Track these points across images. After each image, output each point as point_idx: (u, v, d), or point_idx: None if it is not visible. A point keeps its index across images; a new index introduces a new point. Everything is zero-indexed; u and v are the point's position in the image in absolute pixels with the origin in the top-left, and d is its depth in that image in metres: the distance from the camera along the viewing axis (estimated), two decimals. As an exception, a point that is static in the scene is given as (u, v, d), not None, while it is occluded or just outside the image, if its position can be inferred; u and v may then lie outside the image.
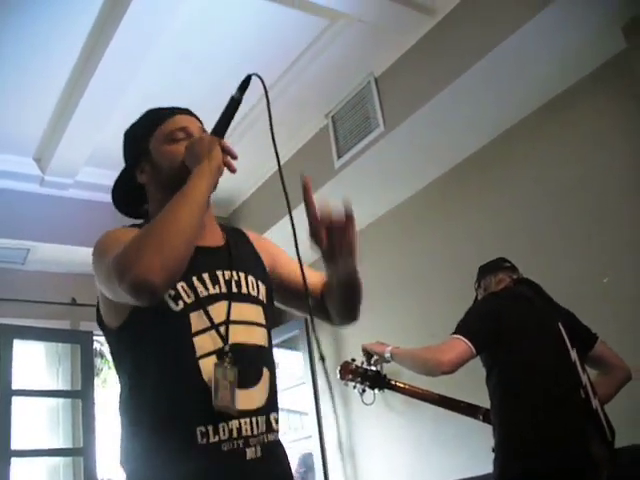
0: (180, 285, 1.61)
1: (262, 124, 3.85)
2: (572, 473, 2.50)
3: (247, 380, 1.62)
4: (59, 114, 4.45)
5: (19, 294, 5.03)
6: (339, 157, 4.53)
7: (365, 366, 3.13)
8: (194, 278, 1.64)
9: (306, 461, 5.93)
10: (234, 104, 1.75)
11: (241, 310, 1.68)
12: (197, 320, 1.60)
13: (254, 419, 1.60)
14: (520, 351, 2.74)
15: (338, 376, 3.11)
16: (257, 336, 1.70)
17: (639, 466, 2.98)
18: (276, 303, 1.90)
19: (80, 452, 4.98)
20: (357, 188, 4.57)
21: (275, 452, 1.67)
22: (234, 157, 1.69)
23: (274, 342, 1.83)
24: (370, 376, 3.14)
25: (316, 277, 1.89)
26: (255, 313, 1.72)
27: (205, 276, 1.66)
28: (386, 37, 4.15)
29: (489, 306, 2.92)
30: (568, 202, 3.87)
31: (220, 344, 1.60)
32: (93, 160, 4.91)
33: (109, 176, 5.14)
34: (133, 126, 1.87)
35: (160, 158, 1.75)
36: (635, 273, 3.48)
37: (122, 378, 1.69)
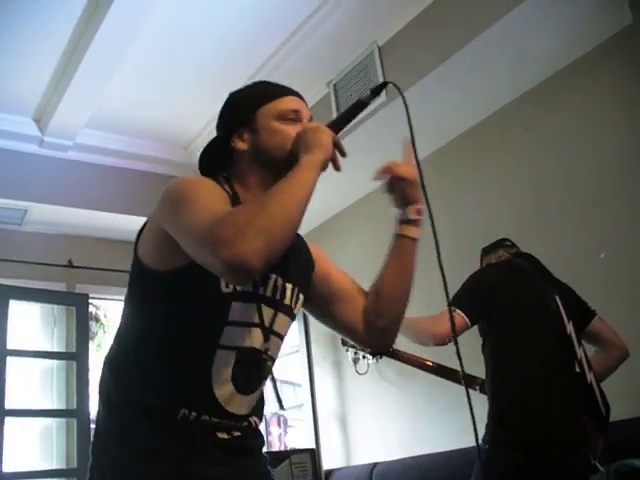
0: None
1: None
2: (561, 445, 2.54)
3: (246, 386, 1.63)
4: (60, 75, 4.42)
5: (16, 255, 5.02)
6: (340, 126, 4.49)
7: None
8: None
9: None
10: (360, 105, 1.72)
11: (276, 319, 1.68)
12: (235, 311, 1.59)
13: (236, 423, 1.63)
14: (514, 321, 2.77)
15: (340, 342, 3.15)
16: (274, 349, 1.70)
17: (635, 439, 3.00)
18: (310, 314, 1.89)
19: (73, 414, 5.01)
20: (356, 157, 4.52)
21: (248, 430, 1.68)
22: (344, 155, 1.64)
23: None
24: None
25: (356, 287, 1.87)
26: (284, 324, 1.73)
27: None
28: (391, 6, 4.12)
29: (484, 277, 2.96)
30: (573, 173, 3.87)
31: (244, 343, 1.60)
32: (93, 123, 4.89)
33: (109, 139, 5.26)
34: (241, 91, 1.80)
35: (267, 133, 1.68)
36: (634, 249, 3.49)
37: (133, 324, 1.67)
